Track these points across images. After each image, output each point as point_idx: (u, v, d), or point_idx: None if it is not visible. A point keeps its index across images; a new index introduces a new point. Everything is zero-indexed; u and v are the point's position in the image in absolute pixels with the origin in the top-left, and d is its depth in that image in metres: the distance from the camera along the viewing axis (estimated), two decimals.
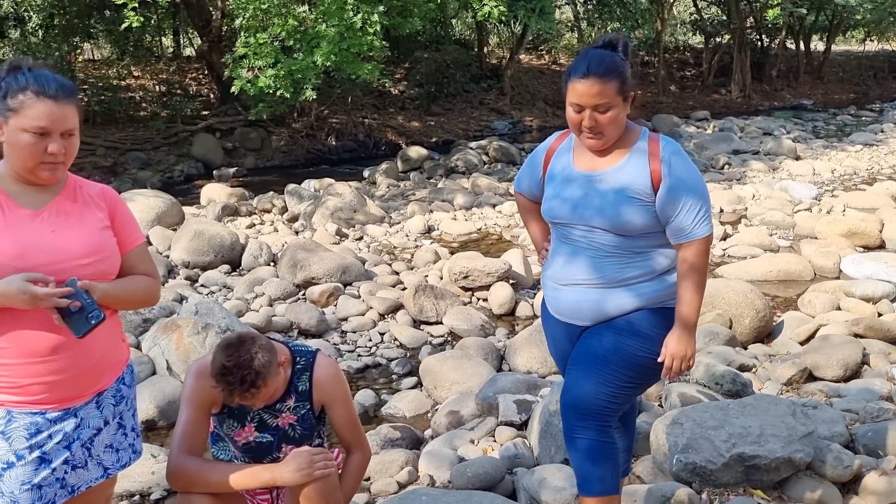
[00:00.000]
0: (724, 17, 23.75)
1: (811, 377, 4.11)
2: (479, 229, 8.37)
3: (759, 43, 24.96)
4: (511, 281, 5.91)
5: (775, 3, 18.86)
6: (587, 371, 2.25)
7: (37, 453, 1.83)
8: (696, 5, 24.35)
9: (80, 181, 1.99)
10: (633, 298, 2.27)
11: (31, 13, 16.93)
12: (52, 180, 1.87)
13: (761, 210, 8.45)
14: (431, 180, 11.62)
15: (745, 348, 4.67)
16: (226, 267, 6.76)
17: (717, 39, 24.29)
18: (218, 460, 2.42)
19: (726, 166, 11.69)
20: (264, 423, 2.33)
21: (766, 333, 4.94)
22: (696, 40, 27.41)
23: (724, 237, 7.60)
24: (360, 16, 9.61)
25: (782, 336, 4.87)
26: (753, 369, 4.20)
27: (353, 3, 9.56)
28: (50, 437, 1.85)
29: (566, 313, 2.36)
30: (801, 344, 4.65)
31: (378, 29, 9.86)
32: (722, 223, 8.07)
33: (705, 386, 3.70)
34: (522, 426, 3.55)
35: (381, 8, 9.93)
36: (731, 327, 4.74)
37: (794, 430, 2.94)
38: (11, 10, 16.65)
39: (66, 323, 1.76)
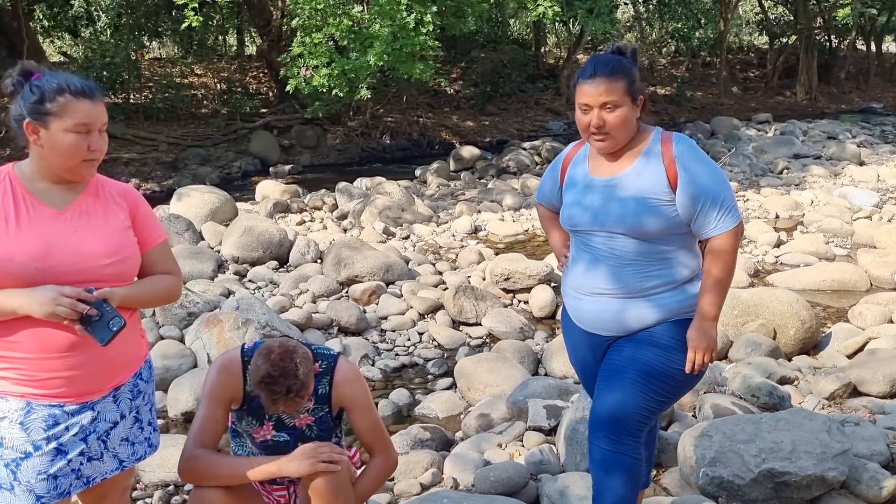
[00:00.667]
0: (791, 17, 23.09)
1: (856, 392, 3.97)
2: (527, 231, 8.34)
3: (828, 44, 24.17)
4: (553, 284, 5.87)
5: (845, 3, 18.23)
6: (619, 385, 2.23)
7: (53, 444, 1.89)
8: (761, 5, 23.72)
9: (102, 180, 2.04)
10: (656, 310, 2.24)
11: (101, 13, 17.55)
12: (91, 175, 1.95)
13: (819, 217, 8.19)
14: (482, 180, 11.62)
15: (790, 360, 4.54)
16: (274, 263, 6.89)
17: (783, 40, 23.61)
18: (231, 455, 2.48)
19: (785, 171, 11.37)
20: (282, 422, 2.38)
21: (813, 345, 4.79)
22: (762, 41, 26.71)
23: (778, 244, 7.40)
24: (413, 16, 9.67)
25: (829, 348, 4.72)
26: (795, 382, 4.09)
27: (407, 3, 9.62)
28: (67, 429, 1.90)
29: (588, 323, 2.35)
30: (849, 357, 4.50)
31: (431, 29, 9.91)
32: (776, 229, 7.86)
33: (741, 398, 3.62)
34: (551, 432, 3.53)
35: (434, 8, 9.97)
36: (774, 338, 4.62)
37: (829, 447, 2.85)
38: (82, 9, 17.30)
39: (89, 332, 1.82)
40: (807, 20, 21.78)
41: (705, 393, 3.70)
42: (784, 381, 4.02)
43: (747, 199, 9.40)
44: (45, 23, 16.59)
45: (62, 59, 17.52)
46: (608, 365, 2.29)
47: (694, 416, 3.59)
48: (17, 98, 1.87)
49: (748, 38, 27.53)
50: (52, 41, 18.44)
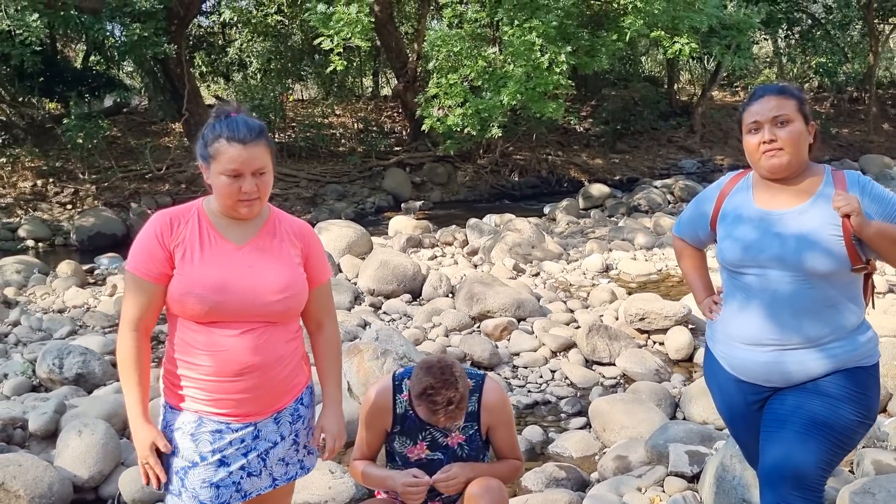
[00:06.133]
0: None
1: None
2: (660, 270, 8.14)
3: None
4: (690, 326, 5.70)
5: None
6: (802, 438, 2.10)
7: (218, 456, 2.04)
8: None
9: (281, 216, 2.16)
10: (825, 361, 2.13)
11: (252, 59, 18.83)
12: (250, 215, 2.05)
13: None
14: (612, 218, 11.48)
15: None
16: (407, 296, 7.08)
17: None
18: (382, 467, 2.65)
19: None
20: (436, 441, 2.49)
21: None
22: None
23: None
24: (547, 56, 9.78)
25: None
26: None
27: (541, 43, 9.76)
28: (230, 443, 2.05)
29: (750, 374, 2.23)
30: None
31: (564, 68, 9.98)
32: None
33: None
34: (694, 479, 3.41)
35: (569, 48, 10.06)
36: None
37: None
38: (236, 56, 18.63)
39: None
40: None
41: (864, 448, 3.47)
42: None
43: None
44: (203, 69, 17.95)
45: (216, 102, 18.92)
46: (774, 416, 2.18)
47: (851, 471, 3.36)
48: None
49: None
50: (208, 86, 19.95)
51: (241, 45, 18.81)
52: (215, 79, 19.37)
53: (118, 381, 4.95)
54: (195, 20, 16.77)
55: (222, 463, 2.04)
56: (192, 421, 2.04)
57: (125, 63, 16.57)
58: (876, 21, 20.01)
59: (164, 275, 2.00)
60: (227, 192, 1.98)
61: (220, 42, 18.80)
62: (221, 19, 17.37)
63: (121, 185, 13.40)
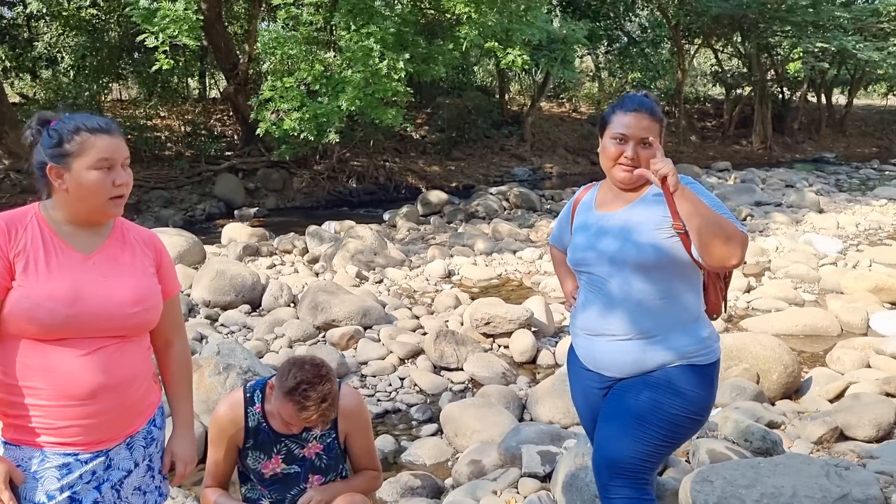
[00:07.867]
0: (745, 70, 23.95)
1: (842, 436, 4.00)
2: (500, 275, 8.34)
3: (781, 95, 25.08)
4: (533, 329, 5.86)
5: (796, 57, 18.99)
6: (623, 428, 2.21)
7: (67, 494, 1.81)
8: (716, 57, 24.57)
9: (126, 224, 1.98)
10: (665, 353, 2.22)
11: (64, 54, 17.38)
12: (118, 214, 1.89)
13: (785, 263, 8.36)
14: (451, 225, 11.65)
15: (773, 404, 4.57)
16: (246, 307, 6.75)
17: (738, 91, 24.44)
18: (237, 499, 2.45)
19: (748, 218, 11.63)
20: (292, 453, 2.35)
21: (795, 390, 4.83)
22: (717, 91, 27.59)
23: (748, 289, 7.51)
24: (385, 62, 9.76)
25: (810, 393, 4.76)
26: (782, 426, 4.10)
27: (379, 49, 9.73)
28: (80, 477, 1.83)
29: (598, 364, 2.33)
30: (831, 402, 4.54)
31: (403, 75, 10.01)
32: (745, 275, 7.98)
33: (734, 442, 3.61)
34: (546, 478, 3.47)
35: (406, 55, 10.09)
36: (758, 382, 4.65)
37: (829, 491, 2.85)
38: (45, 51, 17.10)
39: None
40: (760, 73, 22.59)
41: (698, 438, 3.68)
42: (771, 425, 4.03)
43: None
44: (7, 64, 16.33)
45: (21, 100, 17.24)
46: (619, 406, 2.26)
47: (688, 461, 3.56)
48: (36, 147, 1.82)
49: (704, 88, 28.41)
50: (12, 83, 18.16)
51: (51, 39, 17.30)
52: (21, 75, 17.66)
53: None
54: None
55: (73, 500, 1.82)
56: (32, 457, 1.80)
57: None
58: (683, 42, 21.84)
59: (2, 287, 1.75)
60: (98, 188, 1.79)
61: (25, 35, 17.17)
62: (27, 11, 15.86)
63: None
